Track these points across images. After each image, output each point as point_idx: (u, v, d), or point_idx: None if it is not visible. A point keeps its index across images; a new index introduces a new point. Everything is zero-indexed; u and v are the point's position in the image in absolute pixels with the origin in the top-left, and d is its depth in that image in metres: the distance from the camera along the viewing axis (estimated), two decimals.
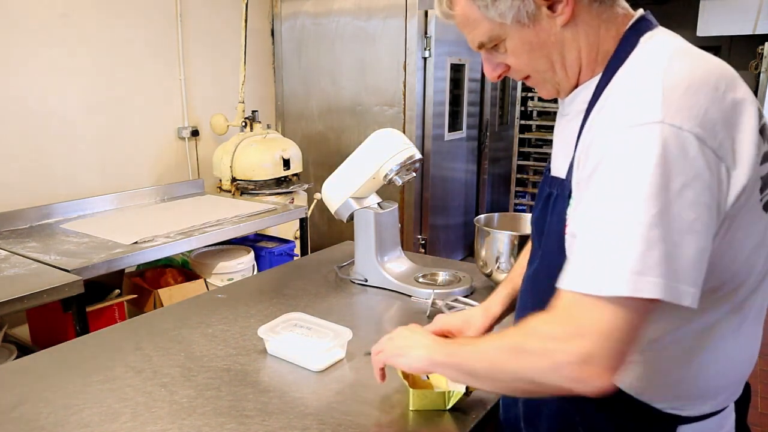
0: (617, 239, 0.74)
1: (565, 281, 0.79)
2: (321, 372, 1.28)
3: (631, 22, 0.90)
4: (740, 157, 0.77)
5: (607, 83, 0.87)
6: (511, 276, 1.29)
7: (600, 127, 0.81)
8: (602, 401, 0.91)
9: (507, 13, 0.88)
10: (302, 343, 1.33)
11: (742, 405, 0.99)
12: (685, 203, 0.73)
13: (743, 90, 0.81)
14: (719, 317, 0.86)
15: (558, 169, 0.98)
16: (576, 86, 0.95)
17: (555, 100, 1.02)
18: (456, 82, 3.94)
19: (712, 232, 0.77)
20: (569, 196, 0.90)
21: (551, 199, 0.97)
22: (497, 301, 1.25)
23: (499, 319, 1.23)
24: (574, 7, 0.87)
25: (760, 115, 0.83)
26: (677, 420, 0.91)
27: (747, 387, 1.01)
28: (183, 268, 2.89)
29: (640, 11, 0.92)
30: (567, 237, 0.89)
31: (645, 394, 0.91)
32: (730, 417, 0.96)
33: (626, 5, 0.93)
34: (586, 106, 0.90)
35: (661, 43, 0.86)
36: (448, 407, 1.13)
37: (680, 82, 0.77)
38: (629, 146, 0.75)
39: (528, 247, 1.29)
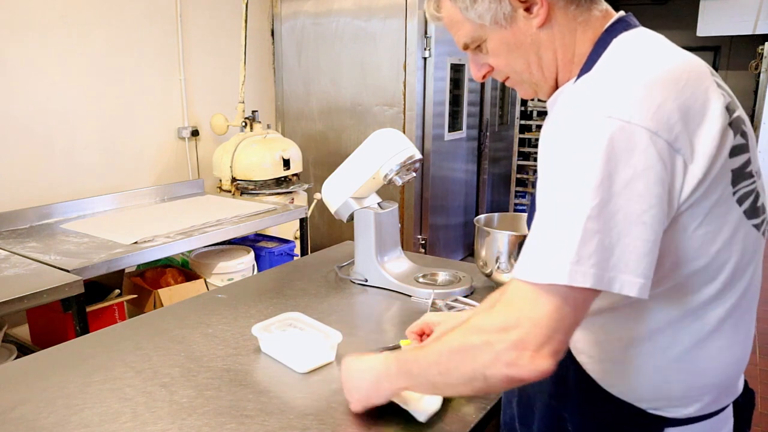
0: (558, 229, 0.76)
1: (514, 269, 0.82)
2: (318, 373, 1.28)
3: (608, 24, 0.91)
4: (699, 151, 0.78)
5: None
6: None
7: (554, 119, 0.83)
8: (590, 402, 0.91)
9: (485, 15, 0.91)
10: (290, 343, 1.33)
11: (744, 411, 0.98)
12: (634, 195, 0.74)
13: (708, 85, 0.82)
14: (695, 313, 0.86)
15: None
16: (556, 87, 0.97)
17: None
18: (456, 82, 3.94)
19: (664, 224, 0.78)
20: None
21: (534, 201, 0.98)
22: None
23: None
24: (550, 9, 0.89)
25: (731, 109, 0.83)
26: (663, 421, 0.90)
27: (750, 393, 0.99)
28: (183, 268, 2.89)
29: (621, 13, 0.93)
30: None
31: (628, 394, 0.91)
32: (726, 423, 0.94)
33: (606, 7, 0.93)
34: None
35: (628, 43, 0.87)
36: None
37: (637, 76, 0.78)
38: (576, 139, 0.77)
39: None
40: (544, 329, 0.77)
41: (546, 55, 0.93)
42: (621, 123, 0.74)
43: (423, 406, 1.09)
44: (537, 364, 0.78)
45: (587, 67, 0.88)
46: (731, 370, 0.92)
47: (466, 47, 0.98)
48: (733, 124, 0.82)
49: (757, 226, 0.88)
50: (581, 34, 0.91)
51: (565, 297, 0.76)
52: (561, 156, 0.78)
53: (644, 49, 0.85)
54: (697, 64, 0.84)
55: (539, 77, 0.95)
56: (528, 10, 0.89)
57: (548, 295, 0.77)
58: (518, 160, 5.58)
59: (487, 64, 0.99)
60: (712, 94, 0.81)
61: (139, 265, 2.75)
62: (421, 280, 1.76)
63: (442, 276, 1.80)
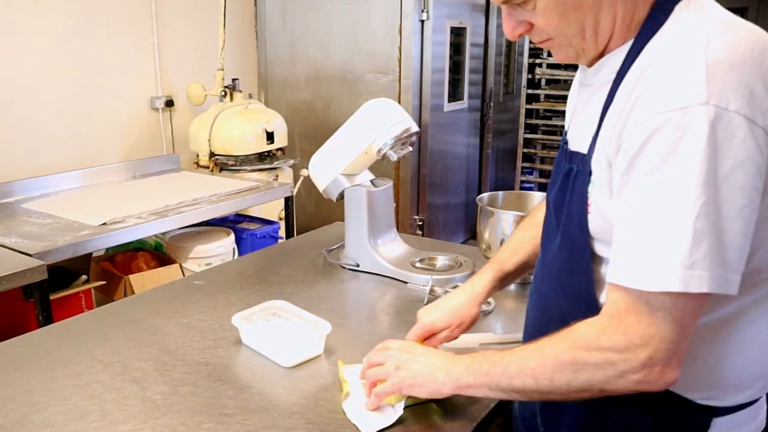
0: (667, 232, 0.78)
1: (614, 275, 0.85)
2: (305, 367, 1.28)
3: None
4: None
5: (638, 53, 0.87)
6: (499, 257, 1.32)
7: (638, 106, 0.82)
8: (634, 396, 0.93)
9: None
10: (274, 334, 1.33)
11: None
12: (735, 188, 0.77)
13: None
14: (755, 300, 0.89)
15: (578, 144, 0.99)
16: (602, 54, 0.95)
17: (566, 67, 1.01)
18: (457, 48, 3.91)
19: (757, 215, 0.80)
20: (590, 173, 0.92)
21: (571, 176, 0.98)
22: (483, 286, 1.28)
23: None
24: None
25: None
26: (712, 412, 0.93)
27: None
28: (156, 252, 2.89)
29: None
30: (590, 216, 0.93)
31: (678, 385, 0.91)
32: (763, 408, 0.99)
33: None
34: (613, 76, 0.91)
35: (697, 15, 0.86)
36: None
37: (723, 58, 0.79)
38: (674, 131, 0.77)
39: (524, 226, 1.34)
40: (674, 343, 0.82)
41: (605, 19, 0.90)
42: (719, 110, 0.75)
43: (372, 419, 1.08)
44: (667, 378, 0.84)
45: (645, 34, 0.87)
46: None
47: (507, 1, 0.93)
48: None
49: None
50: None
51: (686, 306, 0.80)
52: (658, 150, 0.79)
53: (718, 25, 0.84)
54: (765, 37, 0.84)
55: (591, 43, 0.93)
56: None
57: (667, 309, 0.80)
58: (525, 133, 5.56)
59: (528, 22, 0.94)
60: None
61: (108, 249, 2.74)
62: (418, 265, 1.76)
63: (441, 260, 1.80)
